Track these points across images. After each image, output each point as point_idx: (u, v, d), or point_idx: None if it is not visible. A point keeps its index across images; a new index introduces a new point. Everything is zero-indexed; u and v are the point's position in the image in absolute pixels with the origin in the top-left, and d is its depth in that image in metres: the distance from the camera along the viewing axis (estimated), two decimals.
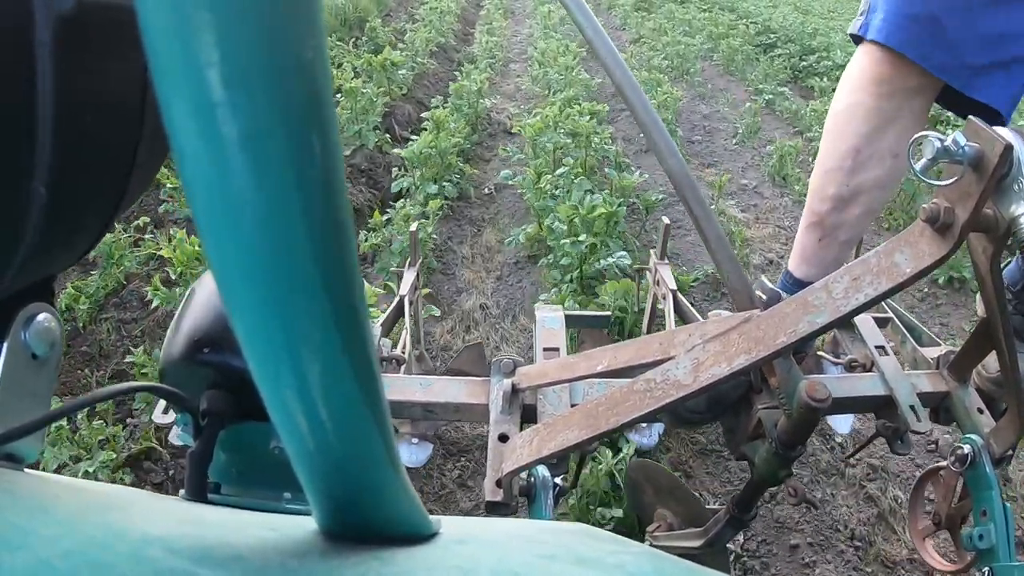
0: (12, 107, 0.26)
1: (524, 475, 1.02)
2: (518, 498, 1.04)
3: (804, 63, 7.59)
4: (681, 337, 1.00)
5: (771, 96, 6.25)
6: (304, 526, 0.27)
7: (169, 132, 0.16)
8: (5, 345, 0.35)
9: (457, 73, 6.52)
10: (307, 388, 0.20)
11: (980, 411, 1.21)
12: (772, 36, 8.80)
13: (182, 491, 0.49)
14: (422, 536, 0.27)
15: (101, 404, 2.10)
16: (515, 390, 1.16)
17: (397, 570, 0.23)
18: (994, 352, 1.06)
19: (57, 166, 0.29)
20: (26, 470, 0.35)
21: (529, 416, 1.18)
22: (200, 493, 0.49)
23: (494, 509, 1.03)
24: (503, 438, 1.10)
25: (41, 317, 0.36)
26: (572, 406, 1.16)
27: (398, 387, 1.25)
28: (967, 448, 1.05)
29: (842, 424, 2.02)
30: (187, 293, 0.57)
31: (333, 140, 0.18)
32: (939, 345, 1.46)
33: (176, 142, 0.16)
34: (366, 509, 0.25)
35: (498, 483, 1.03)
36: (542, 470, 1.01)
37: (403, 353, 1.60)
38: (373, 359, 0.22)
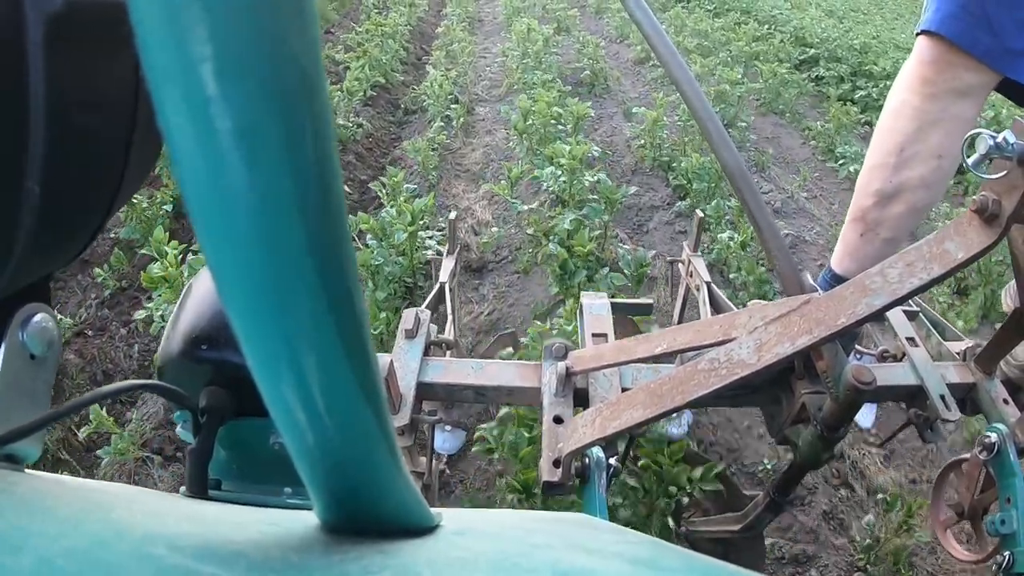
0: (4, 106, 0.26)
1: (578, 456, 1.04)
2: (574, 478, 1.06)
3: (861, 92, 5.62)
4: (741, 319, 1.04)
5: (858, 167, 3.98)
6: (305, 521, 0.27)
7: (162, 128, 0.16)
8: (3, 346, 0.35)
9: (399, 145, 4.34)
10: (305, 383, 0.20)
11: (1006, 401, 1.26)
12: (809, 50, 6.89)
13: (183, 488, 0.49)
14: (423, 528, 0.27)
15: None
16: (568, 373, 1.19)
17: (398, 562, 0.23)
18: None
19: (50, 165, 0.28)
20: (26, 470, 0.35)
21: (580, 399, 1.21)
22: (201, 490, 0.49)
23: (552, 489, 1.05)
24: (558, 420, 1.13)
25: (38, 317, 0.36)
26: (623, 390, 1.20)
27: (451, 370, 1.27)
28: (993, 437, 1.10)
29: (865, 417, 2.04)
30: (184, 290, 0.56)
31: (327, 134, 0.18)
32: (962, 340, 1.50)
33: (170, 138, 0.16)
34: (367, 502, 0.26)
35: (556, 463, 1.05)
36: (596, 451, 1.04)
37: (451, 338, 1.62)
38: (370, 352, 0.22)
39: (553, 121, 4.04)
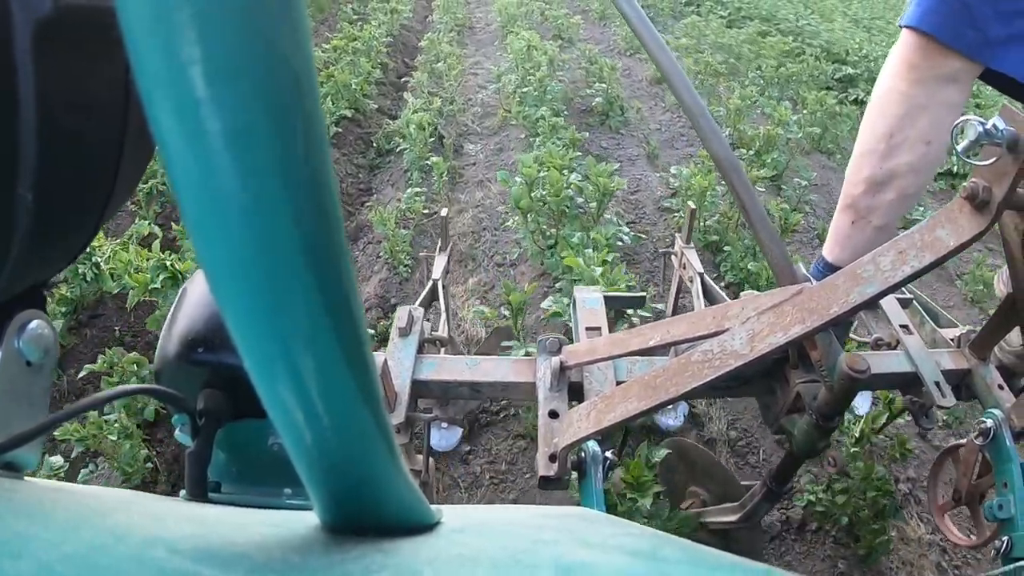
0: None
1: (574, 450, 1.05)
2: (570, 472, 1.06)
3: None
4: (734, 310, 1.04)
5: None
6: (306, 521, 0.27)
7: (154, 131, 0.16)
8: None
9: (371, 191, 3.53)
10: (302, 383, 0.20)
11: (1000, 387, 1.27)
12: (844, 67, 6.15)
13: (183, 491, 0.49)
14: (424, 526, 0.27)
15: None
16: (563, 367, 1.19)
17: (399, 561, 0.23)
18: (1017, 328, 1.11)
19: (42, 170, 0.28)
20: (25, 478, 0.35)
21: (575, 393, 1.21)
22: (201, 492, 0.49)
23: (548, 484, 1.05)
24: (553, 414, 1.14)
25: (34, 324, 0.36)
26: (617, 383, 1.20)
27: (445, 367, 1.28)
28: (989, 422, 1.11)
29: (861, 404, 2.06)
30: (179, 293, 0.56)
31: (319, 134, 0.18)
32: (956, 326, 1.51)
33: (161, 141, 0.16)
34: (367, 501, 0.26)
35: (552, 458, 1.06)
36: (592, 444, 1.05)
37: (445, 335, 1.62)
38: (367, 351, 0.22)
39: (569, 190, 2.96)
